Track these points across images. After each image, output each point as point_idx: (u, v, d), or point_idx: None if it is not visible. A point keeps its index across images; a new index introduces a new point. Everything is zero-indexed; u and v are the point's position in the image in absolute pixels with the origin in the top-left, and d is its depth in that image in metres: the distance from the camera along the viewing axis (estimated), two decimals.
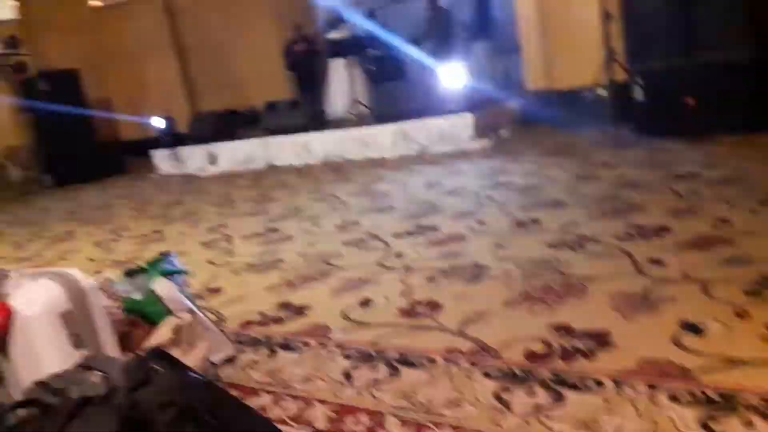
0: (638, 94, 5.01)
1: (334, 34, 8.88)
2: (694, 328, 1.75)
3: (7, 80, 10.28)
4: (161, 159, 9.08)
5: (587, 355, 1.72)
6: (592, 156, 4.71)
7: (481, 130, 6.35)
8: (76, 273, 1.83)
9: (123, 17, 13.79)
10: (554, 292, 2.21)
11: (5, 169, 13.13)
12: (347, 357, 1.96)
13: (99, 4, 13.81)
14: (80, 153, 9.87)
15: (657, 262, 2.32)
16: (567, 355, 1.74)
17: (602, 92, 5.24)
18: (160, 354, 1.44)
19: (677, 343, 1.69)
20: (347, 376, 1.84)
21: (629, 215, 3.00)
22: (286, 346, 2.14)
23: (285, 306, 2.54)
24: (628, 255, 2.45)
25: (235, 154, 8.08)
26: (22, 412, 1.42)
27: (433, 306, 2.27)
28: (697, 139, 4.53)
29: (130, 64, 13.72)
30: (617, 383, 1.54)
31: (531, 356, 1.77)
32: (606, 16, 4.80)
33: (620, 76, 4.94)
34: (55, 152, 10.08)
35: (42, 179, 10.45)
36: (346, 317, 2.30)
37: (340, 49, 8.40)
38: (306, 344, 2.12)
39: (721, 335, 1.71)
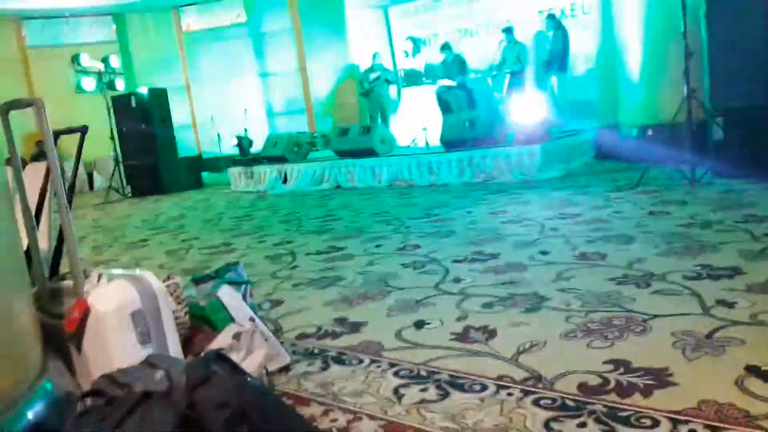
0: (717, 133, 4.85)
1: (409, 63, 9.06)
2: (760, 373, 1.68)
3: (102, 96, 10.98)
4: (236, 176, 9.42)
5: (644, 392, 1.67)
6: (665, 193, 4.58)
7: (550, 162, 6.28)
8: (149, 276, 1.94)
9: (209, 40, 14.52)
10: (615, 327, 2.15)
11: (91, 178, 13.96)
12: (398, 375, 1.98)
13: (193, 28, 14.58)
14: (161, 166, 10.38)
15: (726, 303, 2.23)
16: (623, 390, 1.70)
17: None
18: (220, 357, 1.51)
19: (741, 387, 1.62)
20: (397, 393, 1.86)
21: (700, 255, 2.90)
22: (340, 360, 2.17)
23: (341, 321, 2.59)
24: (695, 294, 2.36)
25: (305, 174, 8.30)
26: (88, 401, 1.51)
27: (488, 332, 2.25)
28: None
29: (216, 86, 14.40)
30: (674, 422, 1.49)
31: (585, 389, 1.73)
32: (688, 54, 4.69)
33: (699, 114, 4.80)
34: (138, 164, 10.64)
35: (124, 189, 11.03)
36: (399, 336, 2.32)
37: (414, 78, 8.55)
38: (359, 360, 2.16)
39: None
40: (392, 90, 10.13)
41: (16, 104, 1.79)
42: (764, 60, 4.46)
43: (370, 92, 9.90)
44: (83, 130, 2.15)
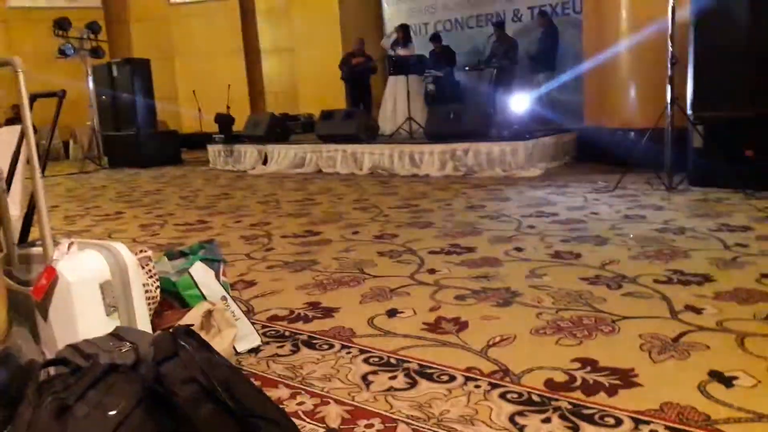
0: (697, 141, 4.91)
1: (398, 51, 9.00)
2: (723, 379, 1.71)
3: (83, 63, 10.74)
4: (216, 154, 9.32)
5: (609, 391, 1.69)
6: (642, 197, 4.63)
7: (531, 159, 6.32)
8: (121, 248, 1.91)
9: (200, 15, 14.30)
10: (584, 326, 2.18)
11: (67, 147, 13.71)
12: (368, 362, 1.98)
13: (178, 0, 14.34)
14: (140, 139, 10.22)
15: (694, 309, 2.27)
16: (588, 388, 1.72)
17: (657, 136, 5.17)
18: (188, 332, 1.49)
19: (704, 392, 1.65)
20: (365, 380, 1.86)
21: (672, 260, 2.94)
22: (310, 344, 2.17)
23: (314, 306, 2.58)
24: (665, 298, 2.40)
25: (286, 156, 8.24)
26: (51, 370, 1.49)
27: (460, 324, 2.26)
28: (753, 193, 4.42)
29: (199, 61, 14.19)
30: (636, 422, 1.51)
31: (552, 385, 1.75)
32: (673, 60, 4.73)
33: (681, 121, 4.85)
34: (116, 136, 10.46)
35: (100, 160, 10.84)
36: (371, 324, 2.32)
37: (401, 66, 8.51)
38: (330, 345, 2.15)
39: (749, 389, 1.66)
40: (376, 77, 10.09)
41: None
42: (747, 72, 4.51)
43: (352, 77, 9.82)
44: (61, 95, 2.10)
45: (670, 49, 4.75)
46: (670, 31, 4.73)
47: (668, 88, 4.77)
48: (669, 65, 4.76)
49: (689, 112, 4.87)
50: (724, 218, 3.77)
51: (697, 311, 2.25)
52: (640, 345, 1.98)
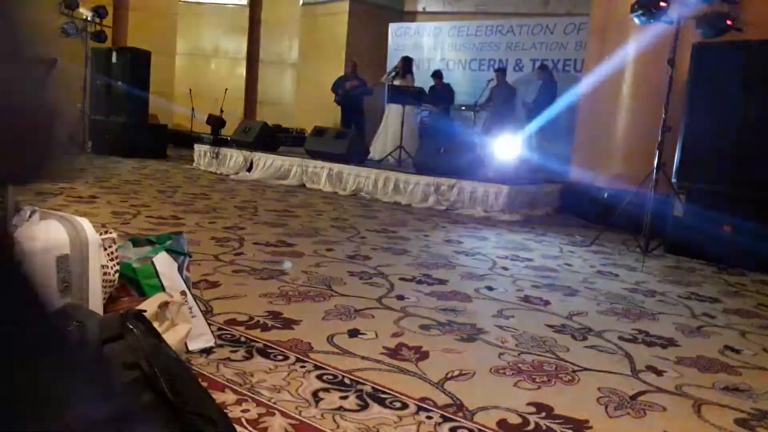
0: (678, 209, 4.96)
1: (398, 81, 9.07)
2: None
3: (83, 45, 10.65)
4: (201, 154, 9.24)
5: None
6: (617, 256, 4.66)
7: (513, 204, 6.34)
8: (85, 223, 1.85)
9: (208, 15, 14.34)
10: (544, 371, 2.15)
11: None
12: (321, 378, 1.92)
13: None
14: (128, 129, 10.10)
15: (655, 370, 2.25)
16: None
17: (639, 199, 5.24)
18: (139, 317, 1.43)
19: None
20: (316, 396, 1.80)
21: (639, 320, 2.93)
22: (264, 353, 2.11)
23: (275, 315, 2.52)
24: (628, 356, 2.38)
25: (272, 166, 8.19)
26: None
27: (421, 353, 2.22)
28: (726, 267, 4.47)
29: (200, 61, 14.19)
30: None
31: (504, 426, 1.71)
32: (665, 128, 4.80)
33: (664, 188, 4.91)
34: (105, 122, 10.33)
35: (85, 144, 10.68)
36: (331, 341, 2.27)
37: (399, 96, 8.57)
38: (284, 356, 2.09)
39: None
40: (370, 102, 10.16)
41: None
42: (735, 149, 4.60)
43: (345, 101, 9.90)
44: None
45: (663, 116, 4.82)
46: (666, 100, 4.81)
47: (657, 154, 4.84)
48: (660, 132, 4.83)
49: (674, 179, 4.94)
50: (695, 287, 3.79)
51: (658, 373, 2.23)
52: (597, 398, 1.95)
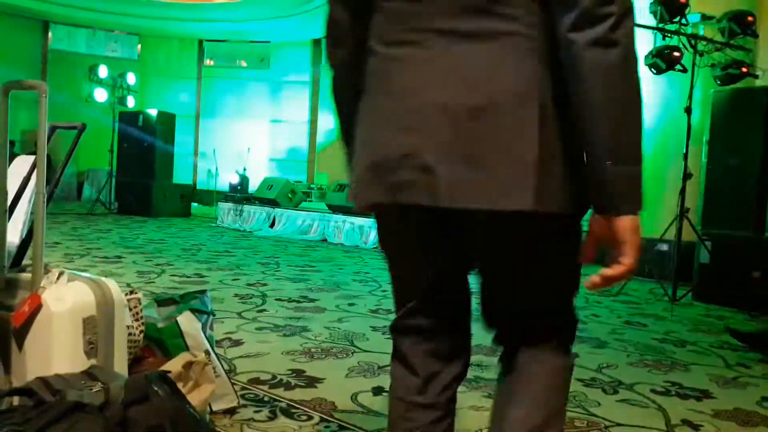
0: (704, 256, 4.89)
1: None
2: None
3: (111, 109, 11.05)
4: (225, 212, 9.38)
5: None
6: (644, 306, 4.57)
7: None
8: (111, 285, 1.87)
9: (231, 77, 14.82)
10: (576, 428, 2.08)
11: (81, 188, 13.88)
12: None
13: (215, 63, 14.92)
14: (154, 189, 10.32)
15: (691, 424, 2.17)
16: None
17: (665, 247, 5.18)
18: (163, 378, 1.43)
19: None
20: None
21: (671, 371, 2.85)
22: (288, 413, 2.08)
23: (298, 373, 2.50)
24: (661, 409, 2.31)
25: (294, 221, 8.27)
26: (15, 400, 1.42)
27: None
28: (758, 315, 4.35)
29: (224, 121, 14.59)
30: None
31: None
32: (686, 175, 4.77)
33: (690, 235, 4.85)
34: (131, 183, 10.59)
35: (111, 204, 10.94)
36: (355, 399, 2.24)
37: None
38: (308, 416, 2.06)
39: None
40: None
41: (19, 85, 1.78)
42: (757, 193, 4.55)
43: None
44: (81, 128, 2.12)
45: (685, 162, 4.81)
46: (686, 147, 4.79)
47: (679, 200, 4.80)
48: (682, 179, 4.80)
49: (698, 227, 4.88)
50: (727, 336, 3.68)
51: (695, 427, 2.15)
52: None
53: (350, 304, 3.94)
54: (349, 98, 1.09)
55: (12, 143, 11.02)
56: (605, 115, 0.88)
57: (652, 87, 5.89)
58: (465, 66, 0.91)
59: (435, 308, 1.14)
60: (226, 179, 11.18)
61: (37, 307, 1.65)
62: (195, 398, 1.86)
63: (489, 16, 0.90)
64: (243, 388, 2.28)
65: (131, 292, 2.06)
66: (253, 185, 10.11)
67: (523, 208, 0.90)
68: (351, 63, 1.07)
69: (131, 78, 11.37)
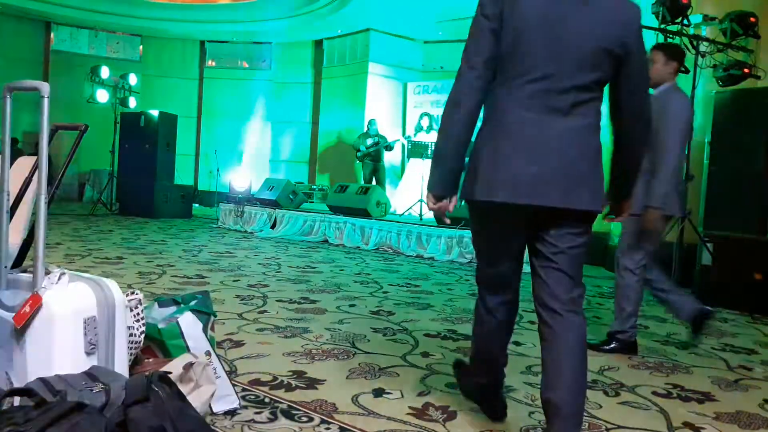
0: (706, 258, 4.88)
1: (418, 136, 9.24)
2: None
3: (112, 110, 11.05)
4: (227, 212, 9.38)
5: None
6: (645, 308, 4.55)
7: None
8: (112, 285, 1.87)
9: (233, 78, 14.82)
10: None
11: (83, 189, 13.89)
12: None
13: (216, 64, 14.93)
14: (155, 190, 10.31)
15: (693, 427, 2.17)
16: None
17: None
18: (164, 378, 1.43)
19: None
20: None
21: (673, 374, 2.84)
22: (289, 414, 2.08)
23: (299, 375, 2.49)
24: (663, 412, 2.30)
25: (295, 222, 8.27)
26: (16, 401, 1.42)
27: (448, 413, 2.17)
28: (761, 317, 4.34)
29: (225, 123, 14.59)
30: None
31: None
32: (688, 176, 4.77)
33: (692, 237, 4.84)
34: (132, 184, 10.58)
35: (112, 205, 10.94)
36: (356, 401, 2.23)
37: (420, 150, 8.70)
38: (309, 417, 2.06)
39: None
40: (392, 157, 10.31)
41: (20, 86, 1.78)
42: (759, 195, 4.54)
43: (366, 158, 10.08)
44: (83, 129, 2.12)
45: (687, 164, 4.80)
46: (687, 148, 4.79)
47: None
48: (684, 180, 4.79)
49: (700, 228, 4.87)
50: (729, 338, 3.68)
51: (696, 429, 2.15)
52: None
53: (351, 306, 3.94)
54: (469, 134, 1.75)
55: (15, 140, 10.98)
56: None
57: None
58: (570, 132, 1.69)
59: (514, 270, 2.08)
60: (227, 179, 11.19)
61: (38, 308, 1.65)
62: (196, 399, 1.86)
63: (584, 114, 1.70)
64: (244, 390, 2.27)
65: (132, 293, 2.06)
66: (255, 186, 10.09)
67: (591, 209, 1.74)
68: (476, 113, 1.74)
69: (133, 79, 11.38)
